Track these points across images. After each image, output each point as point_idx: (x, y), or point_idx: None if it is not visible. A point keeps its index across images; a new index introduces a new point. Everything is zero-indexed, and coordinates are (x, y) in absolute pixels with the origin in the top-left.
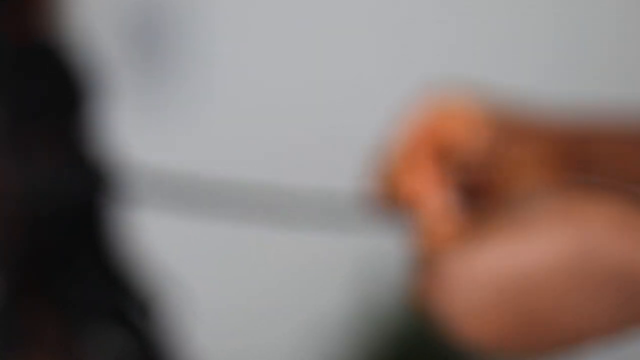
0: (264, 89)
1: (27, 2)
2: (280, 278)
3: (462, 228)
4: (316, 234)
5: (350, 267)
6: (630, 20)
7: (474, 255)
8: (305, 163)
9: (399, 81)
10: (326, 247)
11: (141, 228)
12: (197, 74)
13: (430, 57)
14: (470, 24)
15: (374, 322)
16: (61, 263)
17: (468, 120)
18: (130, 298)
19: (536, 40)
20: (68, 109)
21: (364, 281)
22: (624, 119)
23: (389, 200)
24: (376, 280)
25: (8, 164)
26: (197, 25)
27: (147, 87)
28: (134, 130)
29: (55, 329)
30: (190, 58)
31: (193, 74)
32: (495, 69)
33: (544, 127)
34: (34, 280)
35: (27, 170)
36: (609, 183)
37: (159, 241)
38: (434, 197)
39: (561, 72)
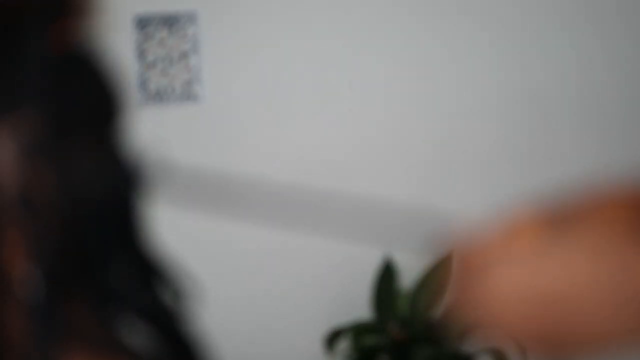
0: (282, 93)
1: (68, 16)
2: (298, 283)
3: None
4: (337, 238)
5: (367, 273)
6: None
7: (507, 273)
8: (328, 168)
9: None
10: (346, 253)
11: (164, 226)
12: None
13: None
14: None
15: (388, 326)
16: (99, 259)
17: (530, 231)
18: (164, 291)
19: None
20: (107, 115)
21: (381, 286)
22: None
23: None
24: (393, 286)
25: (49, 168)
26: (207, 30)
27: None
28: (154, 134)
29: (94, 322)
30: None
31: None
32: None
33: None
34: (74, 276)
35: (67, 174)
36: None
37: (177, 240)
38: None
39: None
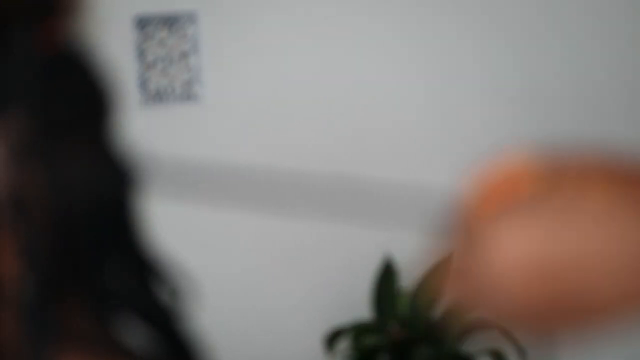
0: (282, 93)
1: (57, 16)
2: (298, 283)
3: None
4: (340, 227)
5: (367, 273)
6: None
7: (513, 245)
8: (328, 170)
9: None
10: (346, 252)
11: (161, 226)
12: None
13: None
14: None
15: (393, 320)
16: (94, 259)
17: (526, 176)
18: (161, 291)
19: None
20: (98, 115)
21: (381, 286)
22: None
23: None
24: (393, 286)
25: (40, 169)
26: (206, 27)
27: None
28: (146, 127)
29: (91, 322)
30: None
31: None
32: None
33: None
34: (69, 277)
35: (58, 175)
36: None
37: (175, 240)
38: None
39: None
